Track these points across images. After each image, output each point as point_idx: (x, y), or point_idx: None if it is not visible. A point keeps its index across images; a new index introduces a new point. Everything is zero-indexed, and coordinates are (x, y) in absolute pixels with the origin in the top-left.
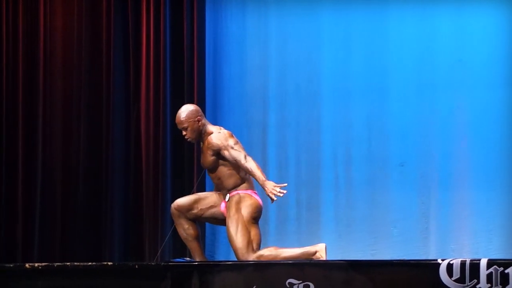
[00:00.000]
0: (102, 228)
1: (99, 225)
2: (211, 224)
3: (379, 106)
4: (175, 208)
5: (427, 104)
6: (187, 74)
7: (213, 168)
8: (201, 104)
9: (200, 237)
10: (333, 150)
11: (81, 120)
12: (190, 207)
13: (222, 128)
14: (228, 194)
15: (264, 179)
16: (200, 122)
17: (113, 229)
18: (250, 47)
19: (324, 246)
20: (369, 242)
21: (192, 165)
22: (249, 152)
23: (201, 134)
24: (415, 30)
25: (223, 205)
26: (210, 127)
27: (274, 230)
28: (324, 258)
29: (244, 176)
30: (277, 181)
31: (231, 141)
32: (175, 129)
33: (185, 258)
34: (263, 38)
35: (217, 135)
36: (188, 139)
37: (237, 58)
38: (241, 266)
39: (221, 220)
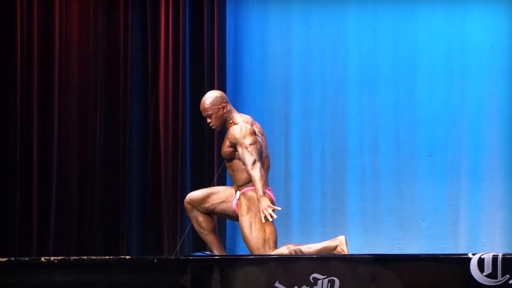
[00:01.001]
0: (119, 221)
1: (116, 217)
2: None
3: (407, 94)
4: (187, 202)
5: (457, 91)
6: (207, 61)
7: (229, 159)
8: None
9: (217, 230)
10: (359, 139)
11: (97, 109)
12: (202, 201)
13: (250, 119)
14: (238, 192)
15: (261, 194)
16: (225, 109)
17: (131, 222)
18: (272, 33)
19: (344, 239)
20: (396, 235)
21: (212, 155)
22: (271, 142)
23: (226, 122)
24: (444, 16)
25: (234, 202)
26: (237, 116)
27: (297, 223)
28: (346, 252)
29: None
30: (301, 173)
31: (248, 140)
32: (195, 118)
33: (206, 252)
34: (285, 24)
35: (239, 128)
36: (213, 127)
37: (259, 45)
38: (263, 261)
39: (232, 217)
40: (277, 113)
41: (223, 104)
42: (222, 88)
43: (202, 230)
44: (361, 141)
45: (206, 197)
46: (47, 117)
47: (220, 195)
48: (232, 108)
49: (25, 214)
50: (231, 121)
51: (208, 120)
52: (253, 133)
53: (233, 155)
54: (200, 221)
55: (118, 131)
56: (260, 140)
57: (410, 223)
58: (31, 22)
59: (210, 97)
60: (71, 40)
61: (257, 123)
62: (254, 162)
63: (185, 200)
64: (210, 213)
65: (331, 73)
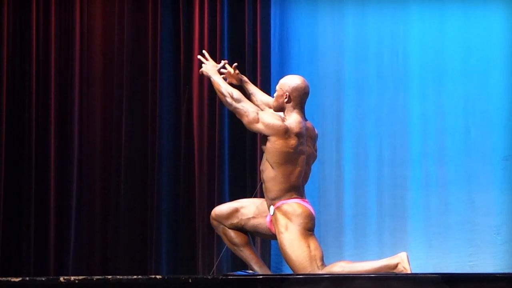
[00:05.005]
0: (148, 235)
1: (144, 231)
2: None
3: (478, 89)
4: (213, 218)
5: None
6: (249, 52)
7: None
8: (265, 90)
9: (252, 242)
10: (422, 143)
11: (122, 107)
12: (229, 216)
13: (298, 124)
14: (272, 206)
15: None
16: (286, 100)
17: (161, 237)
18: (323, 24)
19: (406, 256)
20: (467, 251)
21: (255, 159)
22: (321, 146)
23: (283, 112)
24: None
25: (268, 218)
26: (292, 118)
27: (351, 242)
28: (408, 270)
29: (290, 185)
30: (355, 182)
31: (262, 115)
32: (235, 117)
33: (247, 271)
34: (337, 13)
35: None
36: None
37: (308, 37)
38: (314, 280)
39: (265, 234)
40: (328, 114)
41: (289, 94)
42: (266, 83)
43: (235, 247)
44: (424, 145)
45: (234, 212)
46: (66, 117)
47: (249, 210)
48: (297, 107)
49: (42, 227)
50: (284, 116)
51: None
52: (269, 126)
53: (264, 152)
54: (231, 237)
55: (146, 133)
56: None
57: (482, 237)
58: (48, 13)
59: (289, 78)
60: (93, 31)
61: (310, 126)
62: (236, 99)
63: (211, 215)
64: (239, 229)
65: (389, 67)
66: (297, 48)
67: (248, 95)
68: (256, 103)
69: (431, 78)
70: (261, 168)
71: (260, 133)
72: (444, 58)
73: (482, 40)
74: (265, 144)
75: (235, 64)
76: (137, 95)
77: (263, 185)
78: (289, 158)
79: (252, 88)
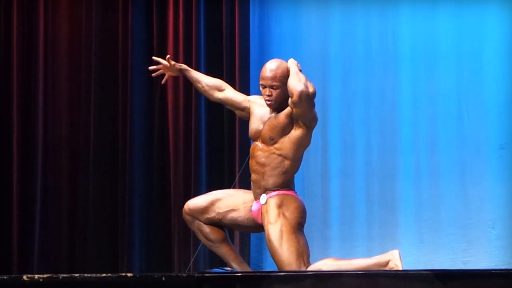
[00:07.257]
0: (119, 232)
1: (116, 227)
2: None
3: (472, 74)
4: (186, 213)
5: None
6: (226, 29)
7: (268, 145)
8: (245, 75)
9: (229, 238)
10: (413, 131)
11: (90, 96)
12: (204, 210)
13: None
14: (264, 195)
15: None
16: None
17: (133, 233)
18: (307, 3)
19: (398, 253)
20: (460, 247)
21: (233, 153)
22: None
23: (283, 104)
24: None
25: (255, 207)
26: None
27: (337, 235)
28: (399, 267)
29: (291, 177)
30: (342, 173)
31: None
32: (212, 105)
33: (226, 268)
34: None
35: None
36: (268, 103)
37: (290, 16)
38: (297, 278)
39: (244, 227)
40: None
41: None
42: (245, 63)
43: (211, 244)
44: (415, 133)
45: (210, 206)
46: (29, 106)
47: (227, 202)
48: None
49: (3, 223)
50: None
51: (267, 92)
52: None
53: (283, 132)
54: (207, 232)
55: (116, 124)
56: None
57: (476, 232)
58: (10, 13)
59: (283, 66)
60: (58, 23)
61: None
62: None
63: (183, 209)
64: (215, 224)
65: (378, 49)
66: (278, 27)
67: (193, 83)
68: (203, 89)
69: (423, 62)
70: (262, 161)
71: (303, 117)
72: (436, 42)
73: (475, 24)
74: (283, 135)
75: (168, 56)
76: (106, 82)
77: (254, 175)
78: (303, 152)
79: (195, 74)
